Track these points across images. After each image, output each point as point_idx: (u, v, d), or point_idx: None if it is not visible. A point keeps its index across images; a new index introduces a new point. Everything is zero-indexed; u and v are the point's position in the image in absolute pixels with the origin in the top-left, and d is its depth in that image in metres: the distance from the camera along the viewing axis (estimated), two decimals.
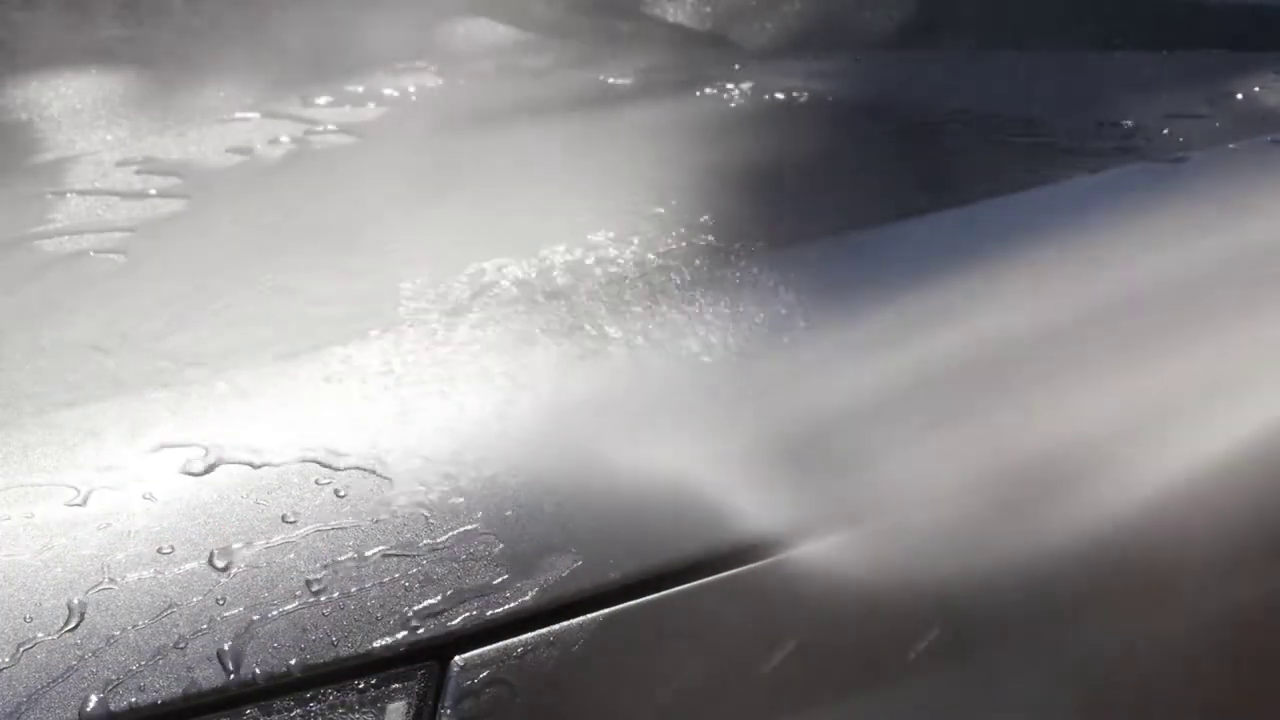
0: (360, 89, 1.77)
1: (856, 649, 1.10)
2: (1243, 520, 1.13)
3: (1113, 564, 1.10)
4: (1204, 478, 1.11)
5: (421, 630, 0.97)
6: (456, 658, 0.99)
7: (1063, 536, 1.08)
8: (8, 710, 0.89)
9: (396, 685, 0.98)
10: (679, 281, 1.15)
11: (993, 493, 1.08)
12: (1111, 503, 1.09)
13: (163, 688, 0.92)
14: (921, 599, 1.10)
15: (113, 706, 0.92)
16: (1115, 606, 1.13)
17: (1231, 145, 1.39)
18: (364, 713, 0.97)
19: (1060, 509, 1.09)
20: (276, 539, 0.98)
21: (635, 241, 1.21)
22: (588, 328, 1.10)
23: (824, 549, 1.08)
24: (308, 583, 0.97)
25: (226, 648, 0.94)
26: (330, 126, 1.67)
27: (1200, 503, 1.10)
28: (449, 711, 0.98)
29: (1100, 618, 1.13)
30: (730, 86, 1.70)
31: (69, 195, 1.46)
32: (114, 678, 0.92)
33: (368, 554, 0.98)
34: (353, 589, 0.97)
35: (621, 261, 1.17)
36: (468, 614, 0.98)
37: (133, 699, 0.92)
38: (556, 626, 1.01)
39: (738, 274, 1.17)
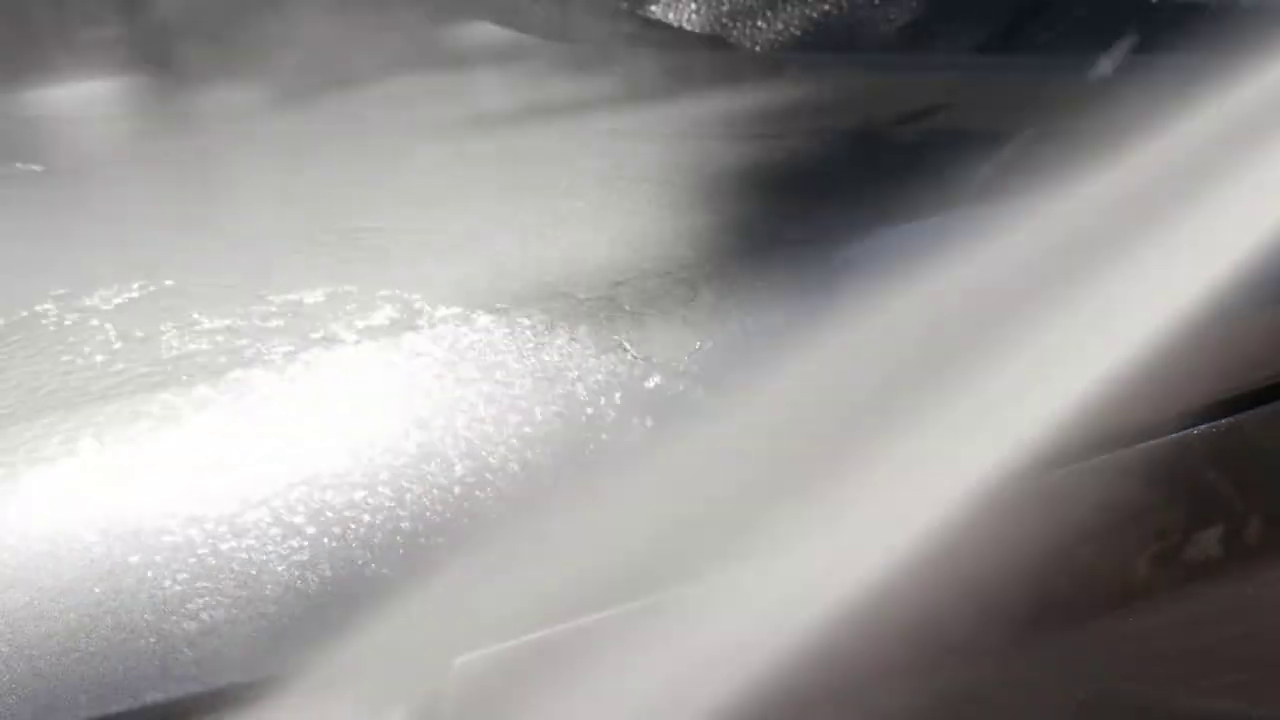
0: (361, 88, 1.77)
1: (859, 649, 1.10)
2: None
3: None
4: None
5: (421, 632, 0.97)
6: (456, 659, 0.99)
7: None
8: None
9: (397, 687, 0.98)
10: (675, 284, 1.15)
11: None
12: None
13: (162, 687, 0.93)
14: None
15: (110, 707, 0.92)
16: None
17: (1231, 148, 1.39)
18: (363, 715, 0.97)
19: None
20: (273, 531, 0.98)
21: (633, 244, 1.21)
22: (581, 331, 1.10)
23: (825, 551, 1.08)
24: (306, 583, 0.97)
25: (226, 648, 0.94)
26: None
27: None
28: (450, 713, 0.98)
29: None
30: (729, 90, 1.70)
31: None
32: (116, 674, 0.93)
33: (366, 554, 0.98)
34: (352, 590, 0.97)
35: (620, 264, 1.17)
36: (467, 615, 0.98)
37: (128, 701, 0.92)
38: (557, 627, 1.01)
39: (736, 275, 1.17)
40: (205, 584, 0.95)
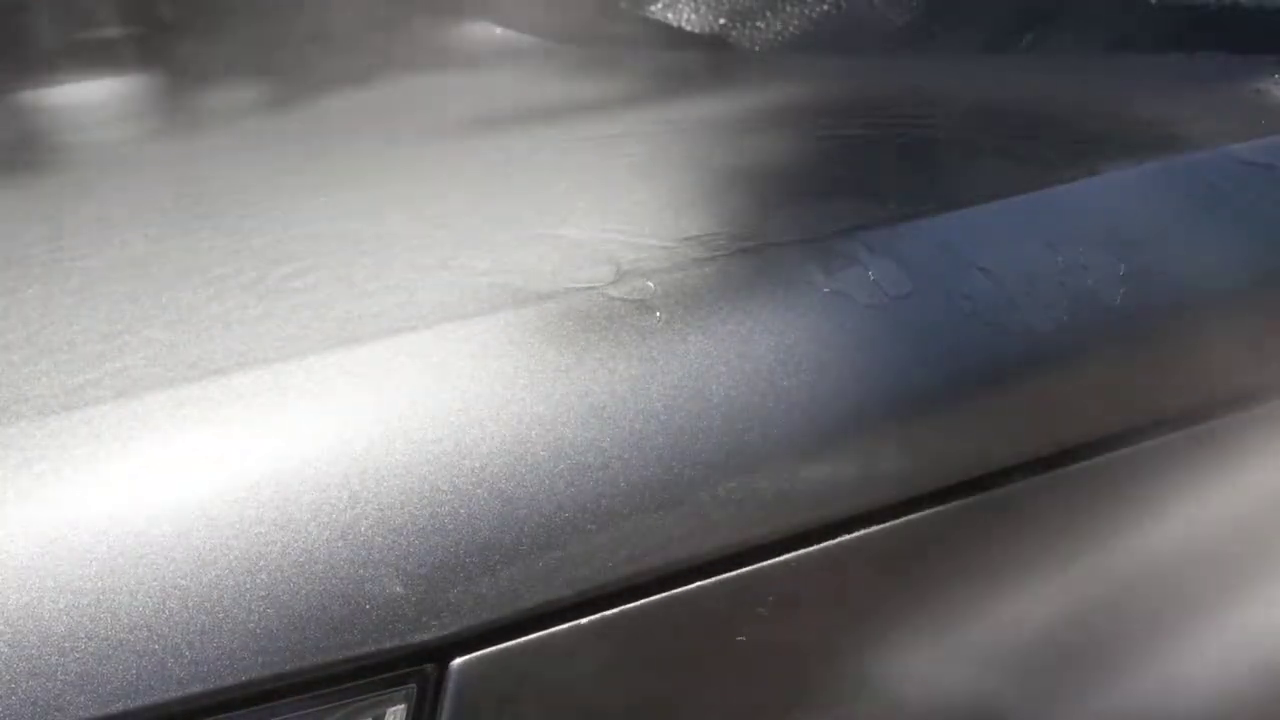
0: (361, 88, 1.78)
1: (858, 650, 1.10)
2: None
3: None
4: None
5: (421, 632, 0.97)
6: (456, 659, 0.99)
7: None
8: None
9: (396, 687, 0.98)
10: (673, 286, 1.15)
11: None
12: None
13: (162, 687, 0.93)
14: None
15: (110, 707, 0.92)
16: None
17: (1233, 148, 1.39)
18: (363, 715, 0.98)
19: None
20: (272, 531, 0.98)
21: (633, 243, 1.21)
22: (582, 331, 1.10)
23: (825, 550, 1.08)
24: (305, 583, 0.97)
25: (226, 648, 0.94)
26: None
27: None
28: (448, 713, 0.98)
29: None
30: (729, 90, 1.70)
31: None
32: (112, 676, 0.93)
33: (366, 554, 0.98)
34: (352, 590, 0.97)
35: (619, 264, 1.17)
36: (467, 615, 0.98)
37: (128, 701, 0.92)
38: (556, 628, 1.01)
39: (735, 275, 1.17)
40: (205, 584, 0.95)
